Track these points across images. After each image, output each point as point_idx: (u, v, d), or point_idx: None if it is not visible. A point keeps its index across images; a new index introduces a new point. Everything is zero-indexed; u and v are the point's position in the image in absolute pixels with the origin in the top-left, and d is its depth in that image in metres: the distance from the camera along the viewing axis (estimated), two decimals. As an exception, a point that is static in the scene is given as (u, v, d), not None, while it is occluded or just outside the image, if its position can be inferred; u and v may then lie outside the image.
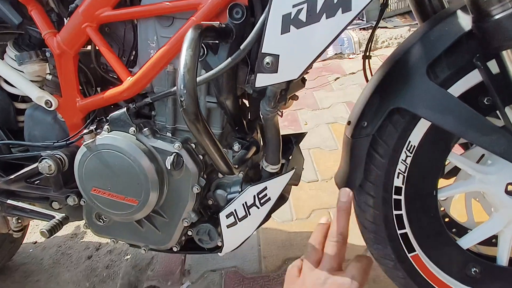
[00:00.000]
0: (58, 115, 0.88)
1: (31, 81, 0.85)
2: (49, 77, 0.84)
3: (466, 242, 0.85)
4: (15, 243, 1.26)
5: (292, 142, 0.97)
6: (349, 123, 0.80)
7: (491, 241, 0.88)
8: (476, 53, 0.65)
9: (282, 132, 0.75)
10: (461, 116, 0.66)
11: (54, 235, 1.44)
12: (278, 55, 0.54)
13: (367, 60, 0.91)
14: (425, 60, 0.67)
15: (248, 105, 0.86)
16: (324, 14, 0.50)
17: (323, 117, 1.93)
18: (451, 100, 0.66)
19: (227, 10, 0.62)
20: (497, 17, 0.55)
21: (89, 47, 0.81)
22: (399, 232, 0.81)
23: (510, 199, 0.78)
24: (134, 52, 0.80)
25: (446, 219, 0.98)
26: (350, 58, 2.63)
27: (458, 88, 0.69)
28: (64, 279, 1.27)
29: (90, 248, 1.38)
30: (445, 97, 0.66)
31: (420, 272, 0.83)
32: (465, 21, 0.66)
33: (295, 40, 0.53)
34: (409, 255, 0.82)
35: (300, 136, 0.99)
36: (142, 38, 0.74)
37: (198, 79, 0.63)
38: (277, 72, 0.56)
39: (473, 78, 0.69)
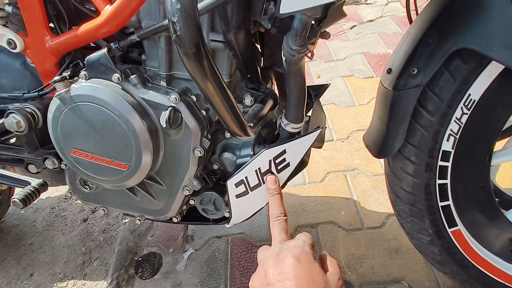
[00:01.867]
0: (28, 59, 0.71)
1: (-12, 15, 0.67)
2: (9, 8, 0.66)
3: (516, 215, 0.72)
4: (1, 204, 1.16)
5: (310, 95, 0.80)
6: (389, 71, 0.63)
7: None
8: None
9: None
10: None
11: (47, 196, 1.34)
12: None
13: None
14: (509, -20, 0.49)
15: (260, 49, 0.68)
16: None
17: (337, 69, 1.74)
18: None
19: None
20: None
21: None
22: (440, 204, 0.68)
23: None
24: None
25: (489, 187, 0.85)
26: (367, 4, 2.35)
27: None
28: (59, 243, 1.19)
29: (85, 211, 1.28)
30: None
31: (459, 248, 0.72)
32: None
33: None
34: (449, 230, 0.70)
35: (321, 89, 0.82)
36: (122, -50, 0.55)
37: (200, 5, 0.45)
38: (312, -10, 0.38)
39: None
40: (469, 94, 0.58)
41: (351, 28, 2.10)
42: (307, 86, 0.81)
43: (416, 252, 0.83)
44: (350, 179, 1.21)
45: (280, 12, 0.41)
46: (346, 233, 1.04)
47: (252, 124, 0.49)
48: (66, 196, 1.36)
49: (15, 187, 0.75)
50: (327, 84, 0.83)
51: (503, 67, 0.55)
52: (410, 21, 0.68)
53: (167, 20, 0.50)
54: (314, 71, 1.75)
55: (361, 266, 0.96)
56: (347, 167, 1.25)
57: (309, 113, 0.78)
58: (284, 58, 0.50)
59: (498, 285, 0.74)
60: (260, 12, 0.52)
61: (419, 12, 0.66)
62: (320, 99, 0.82)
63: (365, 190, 1.16)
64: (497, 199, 0.85)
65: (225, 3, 0.47)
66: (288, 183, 0.70)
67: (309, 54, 0.50)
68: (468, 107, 0.59)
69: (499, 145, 0.77)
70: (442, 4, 0.56)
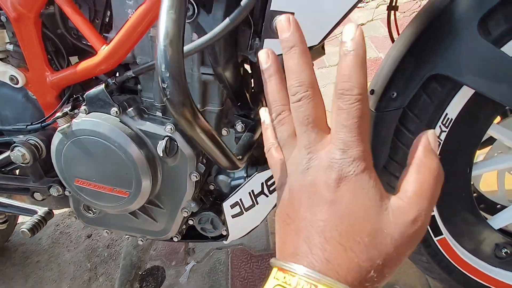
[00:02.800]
0: (29, 92, 0.75)
1: (-10, 53, 0.71)
2: (10, 46, 0.70)
3: (499, 222, 0.76)
4: (8, 226, 1.20)
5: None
6: (372, 92, 0.67)
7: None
8: (544, 1, 0.51)
9: None
10: (519, 84, 0.53)
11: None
12: (293, 14, 0.41)
13: (392, 13, 0.75)
14: (476, 12, 0.53)
15: (250, 71, 0.72)
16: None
17: (330, 76, 1.77)
18: (509, 64, 0.52)
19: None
20: None
21: (53, 7, 0.66)
22: (426, 215, 0.72)
23: (557, 176, 0.68)
24: (109, 13, 0.64)
25: (474, 194, 0.89)
26: (358, 7, 2.39)
27: (513, 46, 0.56)
28: (65, 259, 1.22)
29: (89, 227, 1.32)
30: (502, 60, 0.53)
31: (446, 256, 0.75)
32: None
33: (316, -8, 0.39)
34: (435, 239, 0.74)
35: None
36: (115, -6, 0.58)
37: (188, 47, 0.49)
38: (291, 37, 0.42)
39: (534, 33, 0.55)
40: (446, 114, 0.62)
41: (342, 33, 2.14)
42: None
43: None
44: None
45: (263, 55, 0.45)
46: (342, 241, 1.08)
47: (241, 157, 0.52)
48: (70, 213, 1.40)
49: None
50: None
51: (476, 88, 0.58)
52: (392, 40, 0.72)
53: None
54: (307, 78, 1.79)
55: (357, 272, 1.00)
56: (341, 174, 1.28)
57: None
58: (270, 92, 0.54)
59: (484, 289, 0.78)
60: (246, 47, 0.55)
61: (399, 32, 0.70)
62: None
63: (359, 197, 1.20)
64: (482, 205, 0.90)
65: (213, 43, 0.50)
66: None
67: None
68: (446, 125, 0.63)
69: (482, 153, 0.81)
70: (417, 31, 0.60)
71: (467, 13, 0.54)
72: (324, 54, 0.58)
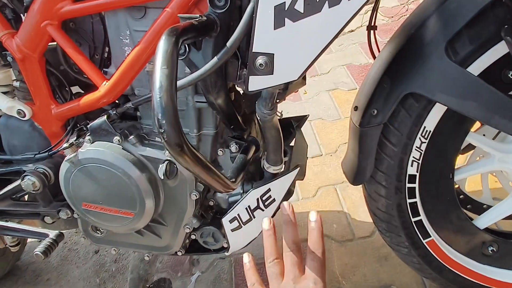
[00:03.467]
0: (36, 123, 0.80)
1: (-1, 90, 0.76)
2: (16, 83, 0.75)
3: (483, 222, 0.81)
4: (19, 247, 1.24)
5: (293, 126, 0.89)
6: (356, 108, 0.72)
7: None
8: (504, 24, 0.56)
9: (280, 104, 0.66)
10: (484, 100, 0.58)
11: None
12: (273, 54, 0.46)
13: (372, 32, 0.80)
14: (444, 35, 0.58)
15: (243, 95, 0.77)
16: (326, 2, 0.40)
17: (322, 83, 1.83)
18: (474, 82, 0.57)
19: (207, -4, 0.51)
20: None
21: (55, 44, 0.71)
22: (413, 219, 0.77)
23: (533, 177, 0.73)
24: (107, 49, 0.69)
25: (461, 196, 0.94)
26: (347, 13, 2.44)
27: (480, 64, 0.60)
28: (74, 276, 1.27)
29: (96, 243, 1.37)
30: (467, 79, 0.58)
31: (435, 256, 0.80)
32: (492, -14, 0.55)
33: (292, 35, 0.44)
34: (424, 241, 0.79)
35: (301, 120, 0.91)
36: (113, 34, 0.64)
37: (182, 81, 0.54)
38: (273, 74, 0.47)
39: (498, 51, 0.59)
40: (425, 127, 0.67)
41: (333, 39, 2.19)
42: (290, 117, 0.90)
43: (402, 259, 0.92)
44: (340, 192, 1.29)
45: (249, 89, 0.50)
46: (339, 245, 1.13)
47: (234, 179, 0.57)
48: (77, 230, 1.44)
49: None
50: (306, 115, 0.92)
51: (449, 103, 0.63)
52: (373, 56, 0.77)
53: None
54: (300, 86, 1.84)
55: (354, 274, 1.05)
56: (337, 180, 1.33)
57: (292, 143, 0.87)
58: (258, 118, 0.59)
59: (473, 285, 0.82)
60: (235, 77, 0.60)
61: (379, 49, 0.74)
62: (308, 114, 0.93)
63: (354, 201, 1.25)
64: (469, 206, 0.95)
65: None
66: (283, 200, 0.80)
67: (278, 113, 0.58)
68: (425, 137, 0.68)
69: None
70: (392, 53, 0.65)
71: (435, 36, 0.59)
72: (305, 84, 0.64)
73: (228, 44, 0.49)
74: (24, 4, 0.65)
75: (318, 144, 1.49)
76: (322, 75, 1.88)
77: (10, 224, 0.78)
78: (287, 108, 1.68)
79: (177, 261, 1.21)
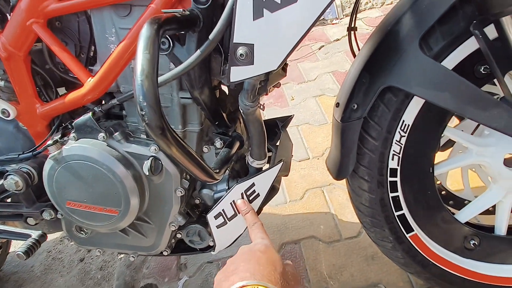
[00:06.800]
0: (20, 123, 0.79)
1: (-18, 89, 0.76)
2: (1, 83, 0.75)
3: (464, 216, 0.83)
4: (1, 255, 1.21)
5: (278, 126, 0.91)
6: (337, 105, 0.74)
7: (488, 209, 0.86)
8: (472, 19, 0.59)
9: (268, 110, 0.69)
10: (458, 92, 0.60)
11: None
12: (253, 45, 0.47)
13: (353, 33, 0.83)
14: (417, 31, 0.61)
15: (227, 93, 0.79)
16: (302, -8, 0.43)
17: (309, 90, 1.86)
18: (447, 75, 0.60)
19: (191, -7, 0.53)
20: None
21: (41, 44, 0.72)
22: (396, 213, 0.78)
23: (508, 170, 0.75)
24: (93, 47, 0.70)
25: (443, 192, 0.96)
26: (333, 24, 2.51)
27: (453, 59, 0.63)
28: (58, 285, 1.24)
29: (81, 251, 1.34)
30: (441, 71, 0.60)
31: (419, 250, 0.81)
32: (460, -16, 0.58)
33: (271, 25, 0.46)
34: (407, 235, 0.80)
35: (287, 120, 0.92)
36: (98, 31, 0.65)
37: (166, 75, 0.55)
38: (253, 64, 0.49)
39: (469, 47, 0.63)
40: (403, 120, 0.69)
41: (319, 49, 2.25)
42: (275, 118, 0.92)
43: (388, 257, 0.93)
44: (327, 193, 1.30)
45: (230, 80, 0.52)
46: (326, 246, 1.13)
47: (218, 170, 0.58)
48: (61, 238, 1.41)
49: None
50: (291, 115, 0.94)
51: (426, 96, 0.66)
52: (354, 55, 0.80)
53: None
54: (288, 93, 1.87)
55: (342, 275, 1.05)
56: (324, 182, 1.35)
57: (278, 143, 0.88)
58: (241, 111, 0.60)
59: (457, 279, 0.84)
60: (219, 72, 0.62)
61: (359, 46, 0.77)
62: (295, 120, 0.94)
63: (341, 202, 1.26)
64: (451, 202, 0.97)
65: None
66: (270, 203, 0.80)
67: (261, 106, 0.60)
68: (404, 130, 0.70)
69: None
70: (370, 50, 0.67)
71: (409, 32, 0.62)
72: (285, 76, 0.66)
73: (211, 36, 0.51)
74: (11, 3, 0.66)
75: (305, 148, 1.51)
76: (309, 82, 1.92)
77: (-9, 225, 0.76)
78: (275, 114, 1.70)
79: (164, 266, 1.20)
